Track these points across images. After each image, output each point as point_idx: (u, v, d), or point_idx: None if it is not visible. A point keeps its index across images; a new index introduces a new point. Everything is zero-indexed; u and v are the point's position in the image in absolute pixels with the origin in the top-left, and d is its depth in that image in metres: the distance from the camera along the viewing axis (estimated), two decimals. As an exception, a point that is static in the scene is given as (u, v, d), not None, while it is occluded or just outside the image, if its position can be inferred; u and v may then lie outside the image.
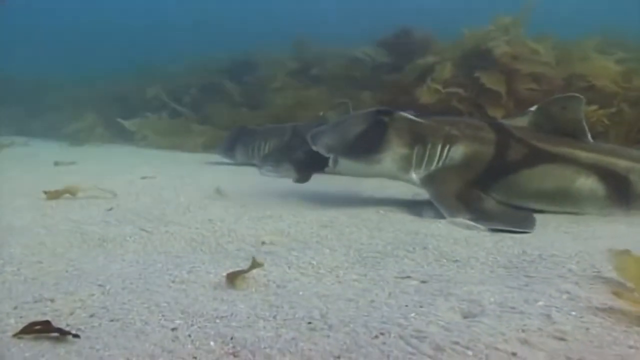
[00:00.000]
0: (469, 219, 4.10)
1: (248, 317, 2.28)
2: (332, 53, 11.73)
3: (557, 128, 4.74)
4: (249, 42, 14.58)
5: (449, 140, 4.71)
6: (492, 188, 4.60)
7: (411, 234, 3.78)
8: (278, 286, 2.75)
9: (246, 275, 2.78)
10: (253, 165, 8.29)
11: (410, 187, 5.44)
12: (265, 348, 1.99)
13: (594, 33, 8.88)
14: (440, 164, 4.69)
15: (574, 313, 2.21)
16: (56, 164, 8.36)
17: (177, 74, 14.62)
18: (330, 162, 4.73)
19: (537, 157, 4.63)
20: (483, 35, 8.77)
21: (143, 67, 16.14)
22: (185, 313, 2.32)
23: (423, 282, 2.79)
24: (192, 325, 2.20)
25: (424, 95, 8.42)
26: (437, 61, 8.99)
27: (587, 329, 2.07)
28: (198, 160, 9.53)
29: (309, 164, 4.99)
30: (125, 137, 13.00)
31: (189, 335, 2.10)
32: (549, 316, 2.18)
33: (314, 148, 4.77)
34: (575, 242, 3.56)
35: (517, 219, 4.16)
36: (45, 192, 5.04)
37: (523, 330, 2.06)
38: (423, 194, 5.06)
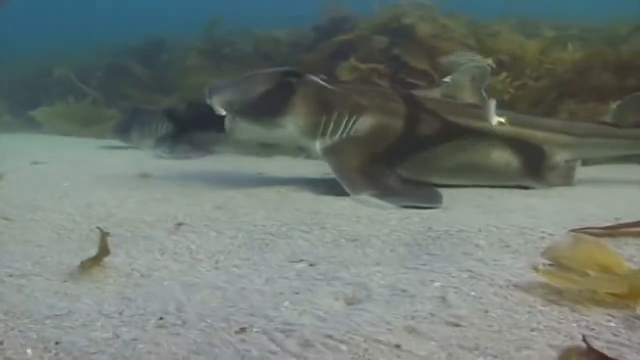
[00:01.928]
0: (373, 196, 3.78)
1: (88, 315, 1.87)
2: (248, 34, 11.20)
3: (466, 99, 4.51)
4: (167, 24, 13.89)
5: (357, 110, 4.32)
6: (400, 164, 4.27)
7: (311, 214, 3.43)
8: (142, 275, 2.34)
9: (104, 263, 2.36)
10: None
11: (320, 166, 5.11)
12: (94, 354, 1.59)
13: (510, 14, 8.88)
14: (344, 135, 4.31)
15: (473, 294, 1.90)
16: None
17: (84, 57, 13.79)
18: (227, 122, 4.20)
19: (449, 131, 4.34)
20: (396, 11, 8.55)
21: (50, 50, 15.11)
22: (9, 314, 1.88)
23: (312, 265, 2.44)
24: (12, 329, 1.77)
25: (344, 73, 8.12)
26: (351, 38, 8.70)
27: (486, 311, 1.77)
28: (103, 145, 8.87)
29: (186, 125, 4.38)
30: (34, 125, 12.12)
31: (1, 343, 1.67)
32: (444, 299, 1.87)
33: (208, 102, 4.20)
34: (486, 216, 3.29)
35: (423, 195, 3.86)
36: None
37: (413, 318, 1.74)
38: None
